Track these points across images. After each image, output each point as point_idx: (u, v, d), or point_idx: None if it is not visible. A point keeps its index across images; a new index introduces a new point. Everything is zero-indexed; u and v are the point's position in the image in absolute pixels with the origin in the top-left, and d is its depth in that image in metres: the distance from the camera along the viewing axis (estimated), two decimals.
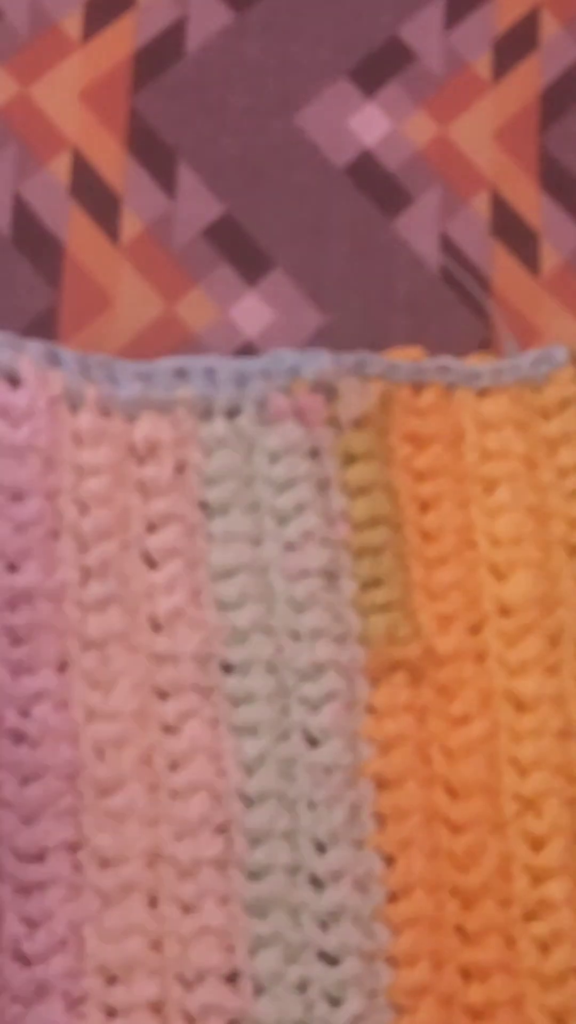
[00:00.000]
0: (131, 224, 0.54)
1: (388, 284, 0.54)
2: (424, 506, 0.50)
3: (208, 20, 0.56)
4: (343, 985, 0.44)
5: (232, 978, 0.45)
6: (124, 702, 0.46)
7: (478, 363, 0.51)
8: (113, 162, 0.54)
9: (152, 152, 0.54)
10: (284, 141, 0.55)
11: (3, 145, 0.54)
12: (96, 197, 0.54)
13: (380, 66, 0.56)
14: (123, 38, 0.55)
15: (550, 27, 0.57)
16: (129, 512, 0.48)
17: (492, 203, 0.55)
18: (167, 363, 0.50)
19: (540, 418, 0.51)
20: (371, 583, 0.48)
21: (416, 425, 0.50)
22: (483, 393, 0.51)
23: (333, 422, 0.49)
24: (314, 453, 0.49)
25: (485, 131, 0.56)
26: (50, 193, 0.54)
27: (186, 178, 0.54)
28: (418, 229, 0.54)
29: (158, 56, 0.55)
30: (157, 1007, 0.44)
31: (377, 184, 0.55)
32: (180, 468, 0.49)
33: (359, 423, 0.50)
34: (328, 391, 0.50)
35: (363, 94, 0.56)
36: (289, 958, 0.45)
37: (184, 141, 0.55)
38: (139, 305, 0.53)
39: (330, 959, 0.45)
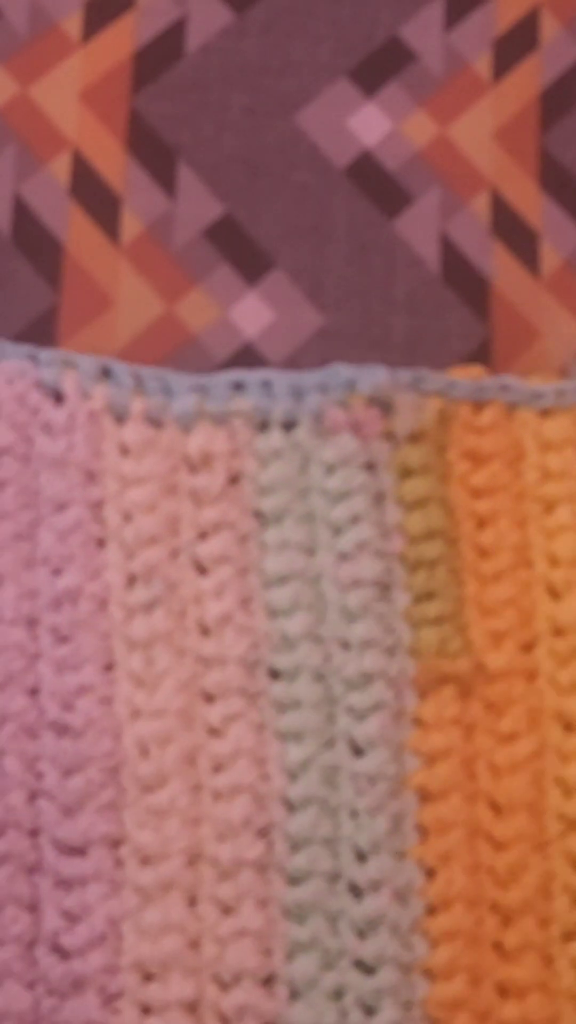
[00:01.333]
0: (131, 224, 0.54)
1: (388, 284, 0.54)
2: (481, 523, 0.50)
3: (208, 20, 0.56)
4: (379, 995, 0.45)
5: (268, 981, 0.45)
6: (169, 702, 0.47)
7: (540, 383, 0.51)
8: (113, 162, 0.54)
9: (152, 152, 0.54)
10: (284, 141, 0.55)
11: (3, 145, 0.54)
12: (96, 197, 0.54)
13: (380, 66, 0.56)
14: (123, 38, 0.55)
15: (550, 27, 0.57)
16: (179, 520, 0.49)
17: (492, 203, 0.55)
18: (223, 376, 0.50)
19: None
20: (424, 596, 0.48)
21: (475, 442, 0.50)
22: (545, 413, 0.51)
23: (389, 436, 0.50)
24: (370, 466, 0.49)
25: (485, 131, 0.56)
26: (50, 193, 0.54)
27: (186, 178, 0.54)
28: (418, 229, 0.54)
29: (158, 56, 0.55)
30: (192, 1007, 0.44)
31: (377, 184, 0.55)
32: (235, 478, 0.49)
33: (415, 438, 0.50)
34: (384, 406, 0.50)
35: (363, 94, 0.56)
36: (326, 965, 0.45)
37: (184, 141, 0.55)
38: (139, 305, 0.53)
39: (366, 968, 0.45)
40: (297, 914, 0.45)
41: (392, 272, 0.54)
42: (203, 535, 0.49)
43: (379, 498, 0.49)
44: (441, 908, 0.46)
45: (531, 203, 0.55)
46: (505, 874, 0.46)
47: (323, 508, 0.49)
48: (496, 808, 0.47)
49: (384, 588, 0.48)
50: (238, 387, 0.50)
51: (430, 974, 0.45)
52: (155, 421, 0.50)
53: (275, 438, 0.50)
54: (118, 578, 0.48)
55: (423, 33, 0.56)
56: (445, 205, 0.55)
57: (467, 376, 0.51)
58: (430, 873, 0.46)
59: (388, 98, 0.56)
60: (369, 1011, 0.45)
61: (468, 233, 0.54)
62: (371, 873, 0.46)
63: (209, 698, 0.47)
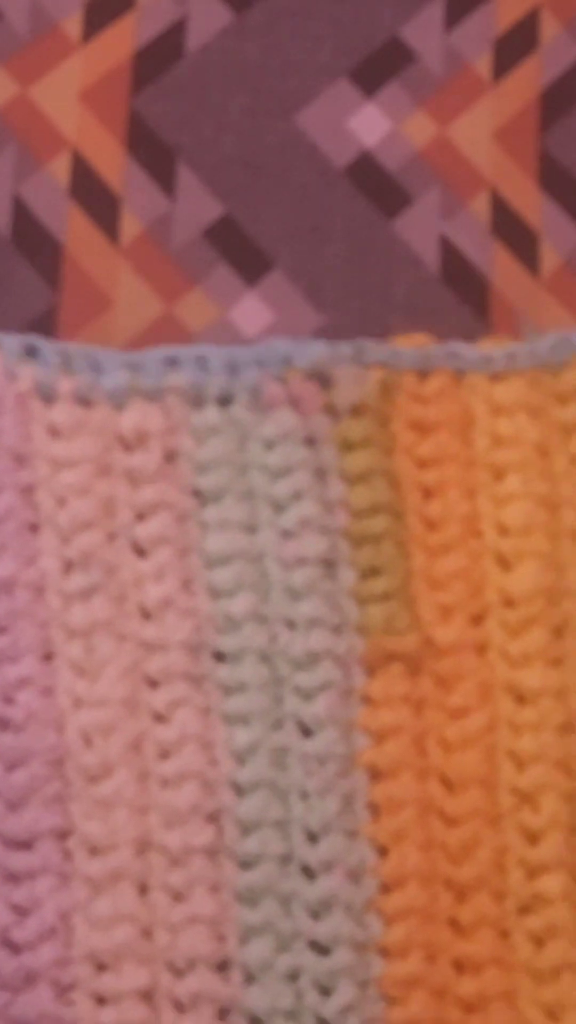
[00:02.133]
0: (130, 225, 0.54)
1: (387, 285, 0.53)
2: (428, 494, 0.49)
3: (208, 20, 0.56)
4: (334, 975, 0.45)
5: (223, 967, 0.45)
6: (111, 690, 0.46)
7: (491, 347, 0.51)
8: (113, 163, 0.54)
9: (152, 153, 0.54)
10: (284, 141, 0.55)
11: (3, 145, 0.54)
12: (95, 198, 0.54)
13: (380, 66, 0.56)
14: (123, 39, 0.55)
15: (550, 27, 0.57)
16: (115, 501, 0.48)
17: (492, 204, 0.55)
18: (156, 351, 0.50)
19: (556, 403, 0.50)
20: (370, 572, 0.48)
21: (420, 412, 0.50)
22: (496, 378, 0.50)
23: (329, 410, 0.49)
24: (310, 441, 0.49)
25: (485, 131, 0.56)
26: (50, 194, 0.54)
27: (185, 179, 0.54)
28: (417, 230, 0.54)
29: (158, 57, 0.55)
30: (147, 995, 0.45)
31: (376, 184, 0.55)
32: (171, 456, 0.49)
33: (356, 411, 0.49)
34: (323, 379, 0.49)
35: (363, 94, 0.56)
36: (280, 947, 0.45)
37: (184, 142, 0.55)
38: (138, 306, 0.53)
39: (321, 949, 0.45)
40: (249, 898, 0.45)
41: (391, 272, 0.54)
42: (140, 516, 0.48)
43: (321, 473, 0.49)
44: (394, 886, 0.46)
45: (531, 203, 0.55)
46: (458, 850, 0.46)
47: (264, 485, 0.48)
48: (448, 784, 0.47)
49: (329, 565, 0.48)
50: (171, 363, 0.49)
51: (385, 952, 0.45)
52: (84, 400, 0.49)
53: (211, 414, 0.49)
54: (54, 564, 0.47)
55: (423, 33, 0.56)
56: (445, 205, 0.55)
57: (412, 344, 0.50)
58: (383, 851, 0.46)
59: (388, 98, 0.56)
60: (325, 992, 0.45)
61: (468, 233, 0.54)
62: (323, 854, 0.46)
63: (153, 684, 0.47)
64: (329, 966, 0.45)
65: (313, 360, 0.49)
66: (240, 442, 0.49)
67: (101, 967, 0.44)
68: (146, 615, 0.47)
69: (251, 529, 0.48)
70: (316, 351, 0.49)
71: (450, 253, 0.54)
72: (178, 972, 0.45)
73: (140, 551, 0.48)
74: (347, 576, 0.48)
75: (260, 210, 0.54)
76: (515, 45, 0.57)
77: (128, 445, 0.49)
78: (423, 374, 0.50)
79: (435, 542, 0.49)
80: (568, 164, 0.55)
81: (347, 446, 0.49)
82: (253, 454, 0.49)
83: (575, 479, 0.49)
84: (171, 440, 0.49)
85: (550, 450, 0.50)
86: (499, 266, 0.54)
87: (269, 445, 0.49)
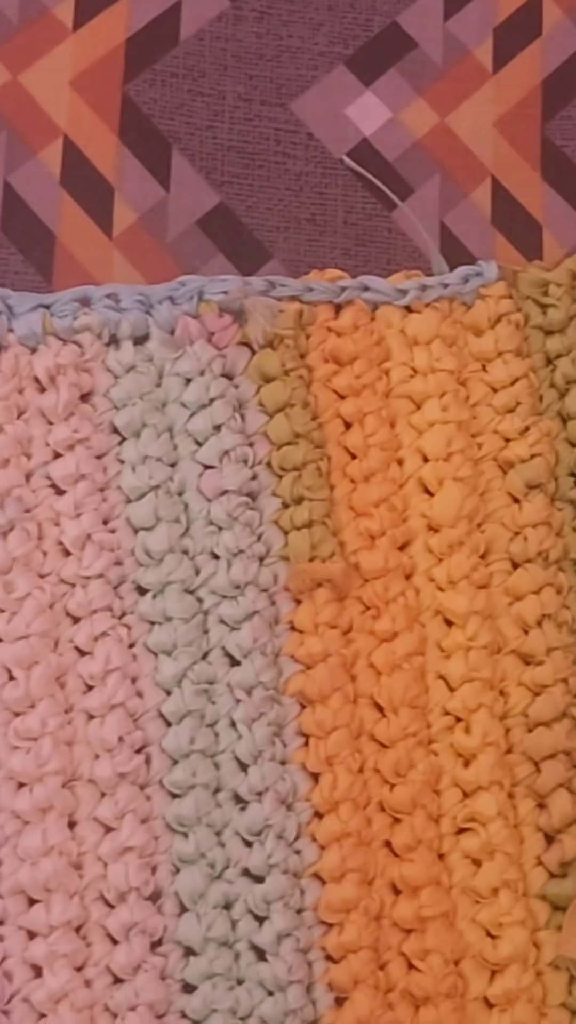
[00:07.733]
0: (123, 214, 0.53)
1: (387, 276, 0.52)
2: (348, 423, 0.49)
3: (203, 6, 0.55)
4: (268, 902, 0.45)
5: (155, 897, 0.45)
6: (31, 625, 0.46)
7: (403, 281, 0.51)
8: (105, 151, 0.53)
9: (145, 141, 0.54)
10: (280, 130, 0.54)
11: None
12: (88, 187, 0.53)
13: (379, 54, 0.55)
14: (116, 24, 0.55)
15: (552, 15, 0.56)
16: (31, 441, 0.48)
17: (493, 193, 0.54)
18: (68, 292, 0.49)
19: (470, 334, 0.51)
20: (292, 501, 0.48)
21: (336, 344, 0.50)
22: (409, 310, 0.50)
23: (245, 343, 0.49)
24: (228, 374, 0.49)
25: (486, 120, 0.55)
26: (41, 182, 0.53)
27: (180, 167, 0.53)
28: (418, 220, 0.53)
29: (151, 43, 0.54)
30: (78, 928, 0.44)
31: (376, 174, 0.54)
32: (86, 395, 0.48)
33: (272, 343, 0.49)
34: (237, 314, 0.49)
35: (361, 82, 0.55)
36: (213, 876, 0.45)
37: (178, 130, 0.54)
38: None
39: (255, 877, 0.45)
40: (180, 828, 0.45)
41: (391, 264, 0.53)
42: (57, 454, 0.48)
43: (240, 405, 0.49)
44: (328, 811, 0.46)
45: (533, 193, 0.54)
46: (391, 773, 0.46)
47: (182, 420, 0.48)
48: (378, 708, 0.47)
49: (251, 496, 0.48)
50: (84, 302, 0.49)
51: (320, 878, 0.45)
52: None
53: (126, 352, 0.49)
54: None
55: (423, 20, 0.56)
56: (445, 195, 0.54)
57: (326, 279, 0.50)
58: (314, 778, 0.46)
59: (387, 86, 0.55)
60: (259, 919, 0.45)
61: (469, 223, 0.54)
62: (253, 782, 0.45)
63: (75, 619, 0.46)
64: (263, 894, 0.44)
65: (226, 294, 0.49)
66: (156, 378, 0.49)
67: (30, 901, 0.44)
68: (65, 552, 0.47)
69: (171, 464, 0.48)
70: (228, 285, 0.49)
71: (450, 244, 0.53)
72: (109, 904, 0.44)
73: (58, 489, 0.48)
74: (269, 506, 0.48)
75: (256, 200, 0.53)
76: (516, 33, 0.56)
77: (42, 386, 0.48)
78: (337, 308, 0.50)
79: (357, 470, 0.49)
80: (570, 153, 0.55)
81: (264, 378, 0.49)
82: (170, 390, 0.48)
83: (493, 407, 0.50)
84: (86, 378, 0.48)
85: (466, 379, 0.50)
86: (501, 257, 0.53)
87: (186, 380, 0.48)
